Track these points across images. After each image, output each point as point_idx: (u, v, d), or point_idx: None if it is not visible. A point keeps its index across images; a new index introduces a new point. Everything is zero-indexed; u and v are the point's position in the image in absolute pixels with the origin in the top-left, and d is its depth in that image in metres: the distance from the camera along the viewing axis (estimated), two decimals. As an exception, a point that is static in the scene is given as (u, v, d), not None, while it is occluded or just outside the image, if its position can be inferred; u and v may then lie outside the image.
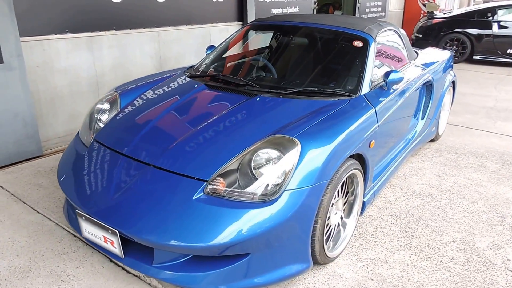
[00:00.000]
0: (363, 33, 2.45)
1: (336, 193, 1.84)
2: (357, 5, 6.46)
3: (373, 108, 2.07)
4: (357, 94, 2.15)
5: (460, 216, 2.39)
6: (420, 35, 7.32)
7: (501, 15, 6.94)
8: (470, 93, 5.28)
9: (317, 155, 1.64)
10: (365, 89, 2.20)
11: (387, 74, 2.26)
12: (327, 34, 2.57)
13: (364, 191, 2.12)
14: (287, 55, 2.59)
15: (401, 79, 2.28)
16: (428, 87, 2.96)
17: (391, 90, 2.32)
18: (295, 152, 1.61)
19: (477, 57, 7.03)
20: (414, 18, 8.04)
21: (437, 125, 3.31)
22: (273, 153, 1.62)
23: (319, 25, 2.59)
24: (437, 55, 3.39)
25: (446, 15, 7.45)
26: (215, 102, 2.07)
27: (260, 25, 2.84)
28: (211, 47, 2.87)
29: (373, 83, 2.31)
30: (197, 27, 4.02)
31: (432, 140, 3.46)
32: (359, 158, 2.01)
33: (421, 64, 2.97)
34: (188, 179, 1.61)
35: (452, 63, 3.57)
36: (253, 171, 1.59)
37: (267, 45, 2.80)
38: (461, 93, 5.24)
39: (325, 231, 1.80)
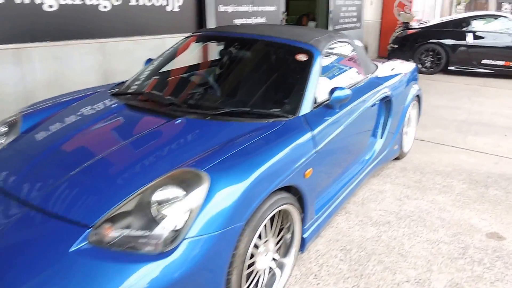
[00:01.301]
0: (308, 45, 2.22)
1: (263, 233, 1.57)
2: (330, 15, 6.32)
3: (310, 132, 1.81)
4: (295, 115, 1.90)
5: (418, 248, 2.14)
6: (396, 46, 7.21)
7: (475, 25, 6.89)
8: (443, 105, 5.12)
9: (230, 193, 1.37)
10: (305, 108, 1.95)
11: (332, 91, 2.02)
12: (270, 46, 2.34)
13: (304, 226, 1.85)
14: (225, 71, 2.33)
15: (347, 96, 2.04)
16: (387, 102, 2.74)
17: (337, 109, 2.08)
18: (202, 190, 1.33)
19: (452, 68, 6.94)
20: (391, 28, 7.96)
21: (400, 143, 3.09)
22: (175, 191, 1.35)
23: (263, 37, 2.35)
24: (399, 67, 3.19)
25: (422, 26, 7.38)
26: (129, 126, 1.79)
27: (204, 37, 2.59)
28: (149, 61, 2.60)
29: (318, 101, 2.07)
30: (150, 38, 3.76)
31: (397, 158, 3.23)
32: (294, 190, 1.74)
33: (379, 78, 2.75)
34: (67, 225, 1.31)
35: (416, 76, 3.38)
36: (152, 214, 1.31)
37: (207, 59, 2.55)
38: (433, 105, 5.07)
39: (251, 279, 1.52)
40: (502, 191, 2.80)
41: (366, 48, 8.13)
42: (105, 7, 3.37)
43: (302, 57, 2.18)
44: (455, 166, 3.21)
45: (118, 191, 1.39)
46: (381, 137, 2.76)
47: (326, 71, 2.29)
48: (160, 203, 1.33)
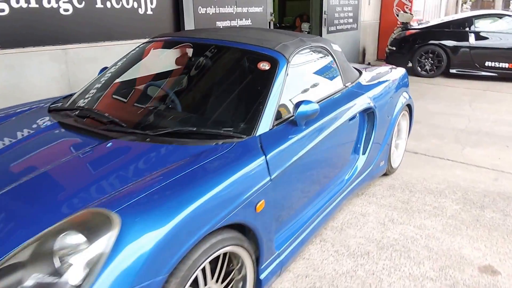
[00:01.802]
0: (272, 52, 1.95)
1: (205, 278, 1.31)
2: (324, 16, 6.03)
3: (263, 156, 1.54)
4: (251, 135, 1.63)
5: (398, 286, 1.85)
6: (394, 48, 6.89)
7: (478, 25, 6.54)
8: (441, 112, 4.80)
9: (147, 240, 1.10)
10: (263, 127, 1.68)
11: (297, 106, 1.75)
12: (230, 53, 2.07)
13: (260, 267, 1.58)
14: (176, 83, 2.07)
15: (315, 111, 1.77)
16: (370, 114, 2.46)
17: (303, 126, 1.80)
18: (109, 237, 1.07)
19: (454, 71, 6.60)
20: (391, 29, 7.64)
21: (387, 158, 2.80)
22: (75, 238, 1.09)
23: (223, 42, 2.08)
24: (387, 74, 2.90)
25: (421, 26, 7.05)
26: (49, 151, 1.54)
27: (162, 43, 2.33)
28: (103, 69, 2.35)
29: (282, 117, 1.80)
30: (120, 43, 3.51)
31: (386, 175, 2.94)
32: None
33: (361, 87, 2.47)
34: None
35: (406, 83, 3.08)
36: (55, 265, 1.06)
37: (165, 67, 2.29)
38: (431, 112, 4.76)
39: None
40: (500, 213, 2.50)
41: (363, 50, 7.83)
42: (66, 10, 3.12)
43: (264, 66, 1.91)
44: (449, 183, 2.91)
45: (9, 236, 1.14)
46: (364, 153, 2.47)
47: (295, 82, 2.02)
48: (61, 251, 1.08)
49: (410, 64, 6.86)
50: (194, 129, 1.66)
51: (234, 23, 4.51)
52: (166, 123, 1.75)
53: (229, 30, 2.47)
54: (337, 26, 6.54)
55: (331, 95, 2.21)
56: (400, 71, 3.08)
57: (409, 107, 3.04)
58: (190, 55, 2.21)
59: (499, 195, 2.72)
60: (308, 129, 1.84)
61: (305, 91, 2.06)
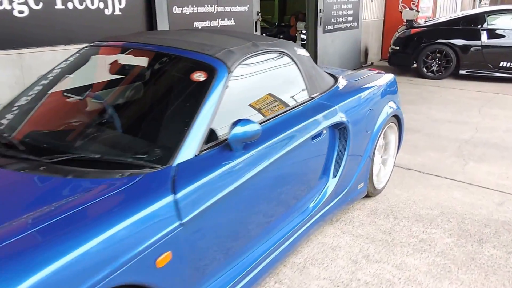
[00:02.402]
0: (212, 59, 1.60)
1: None
2: (319, 14, 5.62)
3: (172, 195, 1.20)
4: (166, 164, 1.30)
5: None
6: (397, 48, 6.40)
7: (491, 22, 5.99)
8: (445, 119, 4.33)
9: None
10: (186, 153, 1.34)
11: (232, 126, 1.40)
12: (164, 61, 1.73)
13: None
14: (98, 96, 1.73)
15: (255, 132, 1.42)
16: (342, 130, 2.08)
17: (240, 151, 1.45)
18: None
19: (464, 72, 6.06)
20: (396, 28, 7.14)
21: (367, 179, 2.40)
22: None
23: (160, 48, 1.75)
24: (369, 81, 2.50)
25: (428, 24, 6.53)
26: None
27: (97, 48, 2.02)
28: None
29: (217, 140, 1.46)
30: (83, 47, 3.24)
31: (368, 196, 2.54)
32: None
33: (331, 98, 2.09)
34: None
35: (394, 90, 2.67)
36: None
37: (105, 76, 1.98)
38: (433, 119, 4.29)
39: None
40: (502, 249, 2.07)
41: (366, 50, 7.36)
42: (21, 12, 2.86)
43: (199, 77, 1.56)
44: (443, 208, 2.49)
45: None
46: (335, 176, 2.09)
47: (241, 96, 1.67)
48: None
49: (415, 65, 6.37)
50: (97, 156, 1.34)
51: (215, 23, 4.17)
52: (69, 147, 1.43)
53: (175, 33, 2.14)
54: (335, 25, 6.11)
55: (290, 109, 1.84)
56: (387, 77, 2.66)
57: (397, 118, 2.63)
58: (124, 63, 1.89)
59: (503, 225, 2.29)
60: (248, 154, 1.48)
61: (252, 107, 1.70)
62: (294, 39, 6.85)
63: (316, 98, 2.02)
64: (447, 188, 2.75)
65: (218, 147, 1.45)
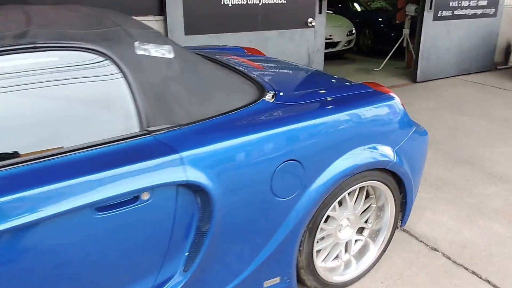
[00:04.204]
0: None
1: None
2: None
3: None
4: None
5: None
6: None
7: None
8: None
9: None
10: None
11: None
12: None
13: None
14: None
15: None
16: (199, 194, 1.19)
17: None
18: None
19: None
20: None
21: (290, 270, 1.36)
22: None
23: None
24: (335, 101, 1.38)
25: None
26: None
27: None
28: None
29: None
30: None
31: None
32: None
33: (197, 136, 1.21)
34: None
35: (390, 121, 1.43)
36: None
37: None
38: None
39: None
40: None
41: (508, 47, 4.97)
42: None
43: None
44: None
45: None
46: (188, 270, 1.22)
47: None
48: None
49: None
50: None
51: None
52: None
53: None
54: (455, 11, 4.27)
55: (73, 150, 1.08)
56: (376, 98, 1.45)
57: (400, 178, 1.42)
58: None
59: None
60: None
61: None
62: (399, 28, 5.29)
63: (160, 133, 1.20)
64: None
65: None
